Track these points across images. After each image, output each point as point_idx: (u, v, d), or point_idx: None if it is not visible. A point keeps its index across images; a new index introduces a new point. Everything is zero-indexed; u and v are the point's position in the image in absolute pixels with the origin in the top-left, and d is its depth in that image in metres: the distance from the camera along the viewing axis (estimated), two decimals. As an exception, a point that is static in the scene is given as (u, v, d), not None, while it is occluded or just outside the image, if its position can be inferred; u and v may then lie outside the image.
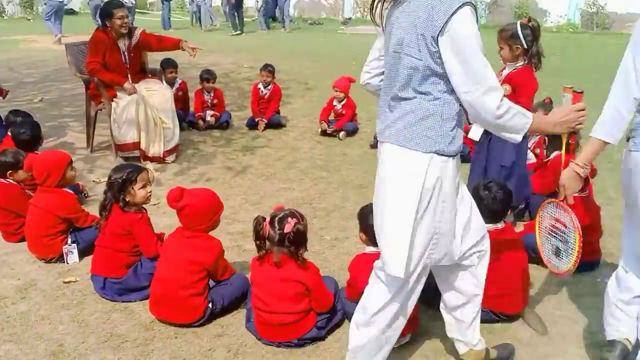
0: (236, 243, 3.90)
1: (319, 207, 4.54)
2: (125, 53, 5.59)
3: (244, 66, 11.17)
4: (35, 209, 3.69)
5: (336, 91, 6.49)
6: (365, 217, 2.87)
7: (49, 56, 13.20)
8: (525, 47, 3.76)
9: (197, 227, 3.03)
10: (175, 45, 5.77)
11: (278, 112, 6.95)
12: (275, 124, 6.80)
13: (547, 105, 4.50)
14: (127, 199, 3.24)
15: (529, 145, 4.65)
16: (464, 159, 5.39)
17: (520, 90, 3.77)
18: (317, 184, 5.05)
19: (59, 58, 12.71)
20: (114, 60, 5.51)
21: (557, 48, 14.03)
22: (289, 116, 7.32)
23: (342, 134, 6.38)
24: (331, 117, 6.60)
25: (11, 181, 3.98)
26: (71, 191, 3.95)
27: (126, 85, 5.42)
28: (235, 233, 4.05)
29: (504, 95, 2.01)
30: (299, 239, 2.76)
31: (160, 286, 3.00)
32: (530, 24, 3.77)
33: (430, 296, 2.68)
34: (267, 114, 6.76)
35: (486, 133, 3.86)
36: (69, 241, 3.71)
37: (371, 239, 2.83)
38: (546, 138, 4.32)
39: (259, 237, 2.80)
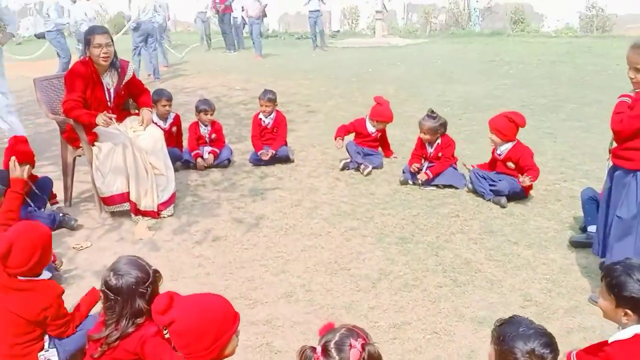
0: (264, 339, 2.95)
1: (360, 273, 3.59)
2: (111, 90, 4.66)
3: (235, 88, 10.25)
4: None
5: (378, 122, 5.74)
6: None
7: (24, 85, 12.19)
8: None
9: (194, 353, 2.01)
10: (143, 105, 4.80)
11: (285, 144, 6.04)
12: (284, 159, 5.89)
13: None
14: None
15: None
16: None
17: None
18: (349, 239, 4.12)
19: (33, 89, 11.75)
20: (95, 98, 4.57)
21: (564, 54, 13.36)
22: (296, 146, 6.42)
23: (365, 169, 5.47)
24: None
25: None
26: (51, 279, 2.95)
27: (98, 120, 4.33)
28: (261, 323, 3.09)
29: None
30: None
31: None
32: None
33: None
34: (275, 147, 5.85)
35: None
36: (46, 346, 2.76)
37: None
38: None
39: None
